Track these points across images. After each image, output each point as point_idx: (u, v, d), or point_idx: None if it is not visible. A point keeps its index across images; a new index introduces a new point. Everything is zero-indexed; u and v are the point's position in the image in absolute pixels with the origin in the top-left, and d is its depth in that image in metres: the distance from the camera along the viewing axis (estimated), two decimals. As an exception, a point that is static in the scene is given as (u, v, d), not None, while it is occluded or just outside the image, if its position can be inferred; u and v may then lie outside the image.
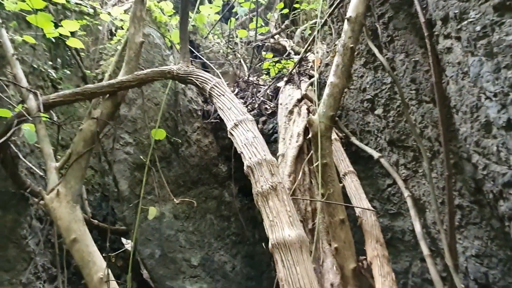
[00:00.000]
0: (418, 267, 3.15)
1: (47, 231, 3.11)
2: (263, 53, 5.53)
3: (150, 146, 3.00)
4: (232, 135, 2.40)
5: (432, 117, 2.63)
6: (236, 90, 4.79)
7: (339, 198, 2.74)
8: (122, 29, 4.18)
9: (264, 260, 4.34)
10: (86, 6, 4.06)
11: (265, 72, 5.13)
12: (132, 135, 3.81)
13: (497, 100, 1.86)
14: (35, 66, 3.32)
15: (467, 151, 2.31)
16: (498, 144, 1.95)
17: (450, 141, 2.46)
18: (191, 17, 4.55)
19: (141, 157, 3.62)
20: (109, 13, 4.05)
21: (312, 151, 2.95)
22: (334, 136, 3.22)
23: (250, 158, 2.20)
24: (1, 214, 2.81)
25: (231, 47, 5.58)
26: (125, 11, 4.12)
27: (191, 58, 3.22)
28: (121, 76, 2.90)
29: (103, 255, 2.39)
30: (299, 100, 3.78)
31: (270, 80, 4.78)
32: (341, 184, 2.93)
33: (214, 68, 3.80)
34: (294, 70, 4.26)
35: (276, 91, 4.44)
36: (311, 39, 4.09)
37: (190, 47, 3.37)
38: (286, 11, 5.90)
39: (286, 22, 6.27)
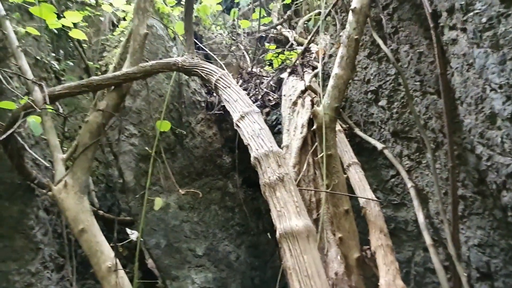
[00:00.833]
0: (420, 256, 3.19)
1: (54, 221, 3.14)
2: (266, 44, 5.51)
3: (155, 138, 3.01)
4: (238, 126, 2.42)
5: (436, 109, 2.64)
6: (240, 81, 4.79)
7: (344, 189, 2.77)
8: (125, 20, 4.16)
9: (268, 250, 4.39)
10: (87, -3, 4.04)
11: (268, 63, 5.11)
12: (137, 127, 3.83)
13: (502, 92, 1.88)
14: (38, 57, 3.31)
15: (471, 142, 2.33)
16: (503, 135, 1.97)
17: (454, 132, 2.47)
18: (193, 8, 4.52)
19: (146, 148, 3.64)
20: (110, 4, 4.02)
21: (316, 142, 2.97)
22: (338, 127, 3.24)
23: (257, 149, 2.23)
24: (7, 205, 2.83)
25: (234, 38, 5.56)
26: (127, 2, 4.10)
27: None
28: (126, 68, 2.89)
29: (111, 245, 2.43)
30: (303, 92, 3.78)
31: (273, 71, 4.77)
32: (345, 175, 2.96)
33: (217, 59, 3.79)
34: (297, 61, 4.26)
35: (280, 82, 4.44)
36: (314, 30, 4.08)
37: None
38: (288, 1, 5.83)
39: (289, 12, 6.23)
